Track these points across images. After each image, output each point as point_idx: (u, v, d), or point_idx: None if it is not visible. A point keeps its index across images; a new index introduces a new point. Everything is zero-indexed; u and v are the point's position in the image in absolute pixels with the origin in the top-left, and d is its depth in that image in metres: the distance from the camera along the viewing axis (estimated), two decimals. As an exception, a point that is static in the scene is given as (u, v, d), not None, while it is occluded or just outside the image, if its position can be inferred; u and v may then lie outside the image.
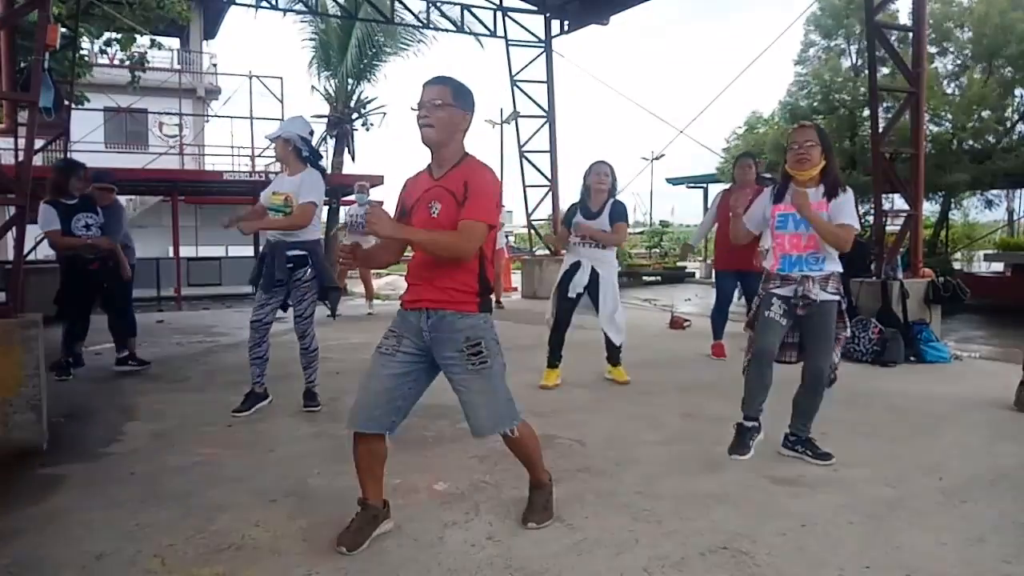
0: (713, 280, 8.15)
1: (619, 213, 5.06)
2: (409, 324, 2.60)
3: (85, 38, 10.23)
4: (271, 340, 4.44)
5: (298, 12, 13.97)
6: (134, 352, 5.83)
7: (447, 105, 2.52)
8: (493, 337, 2.61)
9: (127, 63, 12.29)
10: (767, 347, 3.48)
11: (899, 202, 10.54)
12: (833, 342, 3.51)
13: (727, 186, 6.88)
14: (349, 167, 17.51)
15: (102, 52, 11.96)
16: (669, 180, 25.78)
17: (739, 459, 3.51)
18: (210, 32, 24.24)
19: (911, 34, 7.49)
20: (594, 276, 5.06)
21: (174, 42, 22.39)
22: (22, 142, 5.12)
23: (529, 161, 12.69)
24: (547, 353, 5.21)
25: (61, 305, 5.43)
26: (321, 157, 4.72)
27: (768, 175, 6.42)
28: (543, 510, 2.81)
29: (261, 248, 4.48)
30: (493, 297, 11.16)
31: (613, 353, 5.35)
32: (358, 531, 2.59)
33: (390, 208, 2.69)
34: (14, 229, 3.94)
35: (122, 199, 5.72)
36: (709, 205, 7.17)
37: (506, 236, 12.49)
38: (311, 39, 16.76)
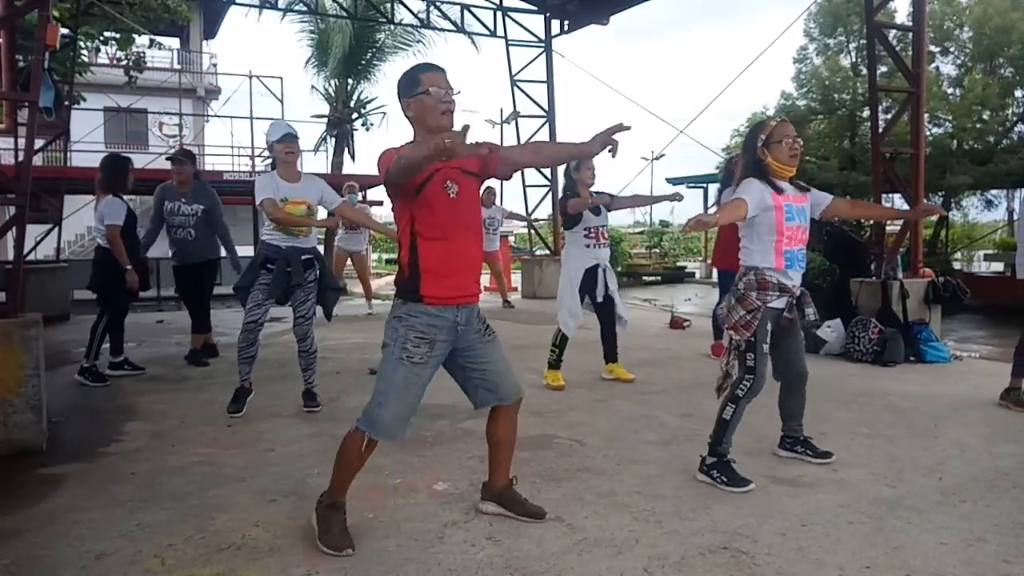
0: (712, 280, 8.15)
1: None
2: (443, 321, 2.57)
3: (82, 40, 10.19)
4: (270, 341, 4.44)
5: (297, 12, 13.96)
6: (211, 342, 6.22)
7: None
8: None
9: (123, 63, 12.27)
10: (764, 383, 3.28)
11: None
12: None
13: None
14: (349, 167, 17.50)
15: (96, 51, 11.92)
16: (669, 180, 25.78)
17: (752, 488, 3.16)
18: (210, 32, 24.22)
19: (911, 34, 7.49)
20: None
21: (174, 42, 22.39)
22: (22, 142, 5.13)
23: (529, 161, 12.66)
24: (551, 354, 5.20)
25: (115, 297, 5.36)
26: None
27: None
28: (527, 500, 2.87)
29: (267, 254, 4.37)
30: (500, 296, 11.11)
31: (612, 349, 5.38)
32: (345, 530, 2.61)
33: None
34: (14, 229, 3.94)
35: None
36: (712, 204, 7.20)
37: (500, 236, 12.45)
38: (310, 39, 16.75)
